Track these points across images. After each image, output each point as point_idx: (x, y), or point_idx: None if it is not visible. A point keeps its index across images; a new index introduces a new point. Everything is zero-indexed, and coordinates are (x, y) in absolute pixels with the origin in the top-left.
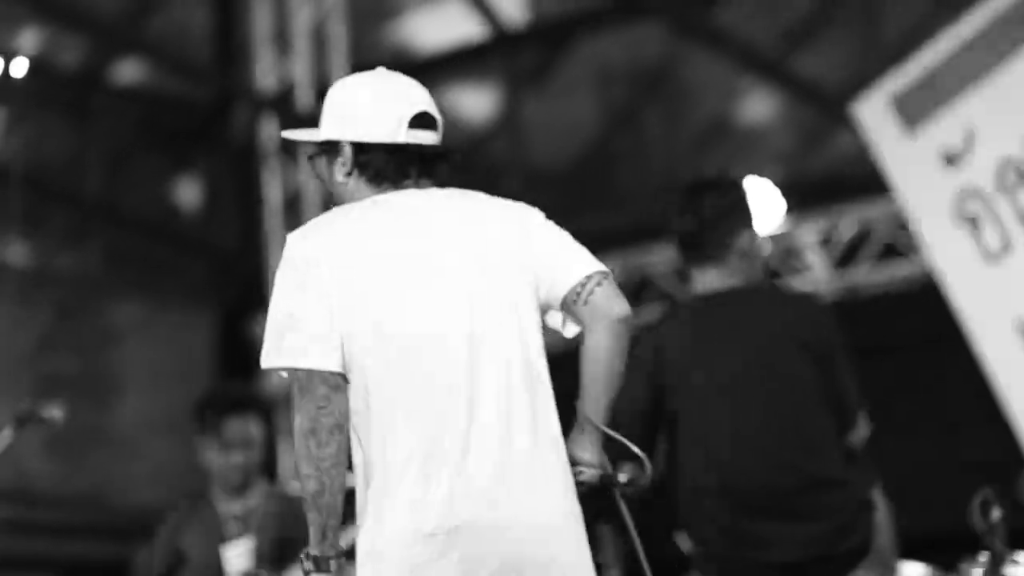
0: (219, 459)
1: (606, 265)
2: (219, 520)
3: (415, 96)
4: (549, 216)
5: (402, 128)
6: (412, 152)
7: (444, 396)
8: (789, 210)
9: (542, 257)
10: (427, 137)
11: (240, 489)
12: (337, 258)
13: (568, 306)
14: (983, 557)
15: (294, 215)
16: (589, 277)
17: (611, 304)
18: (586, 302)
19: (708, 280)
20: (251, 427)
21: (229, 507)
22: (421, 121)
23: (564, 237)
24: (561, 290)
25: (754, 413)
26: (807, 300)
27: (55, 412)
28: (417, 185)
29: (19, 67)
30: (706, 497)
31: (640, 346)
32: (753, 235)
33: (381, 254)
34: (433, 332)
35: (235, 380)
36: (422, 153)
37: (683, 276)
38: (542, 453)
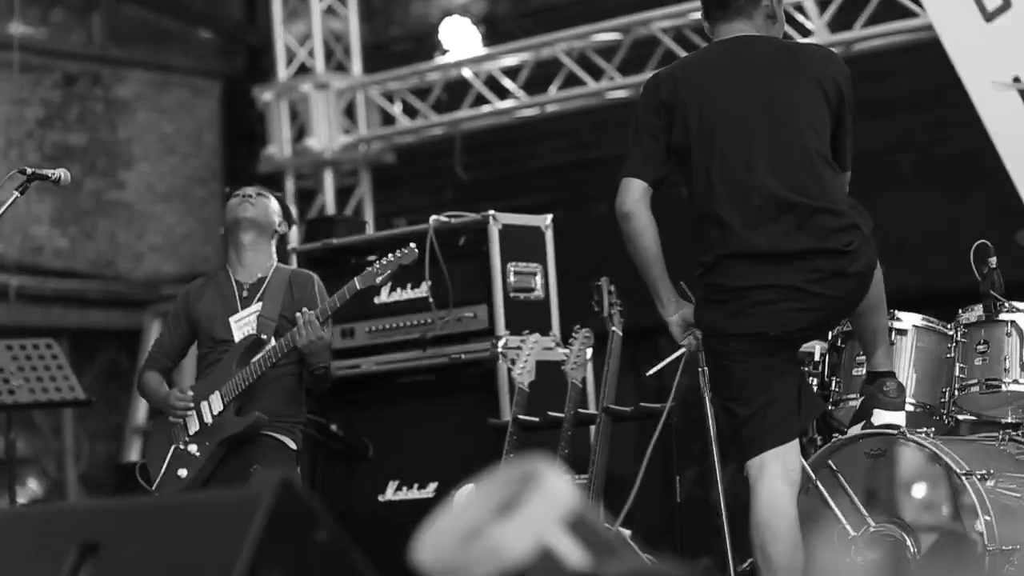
0: (231, 203)
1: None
2: (232, 290)
3: None
4: None
5: None
6: None
7: None
8: None
9: None
10: None
11: (249, 249)
12: None
13: None
14: (979, 305)
15: None
16: None
17: None
18: None
19: (733, 32)
20: (261, 194)
21: (241, 277)
22: None
23: None
24: None
25: (766, 137)
26: (828, 53)
27: (61, 172)
28: None
29: None
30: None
31: (656, 76)
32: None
33: None
34: None
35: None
36: None
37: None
38: None
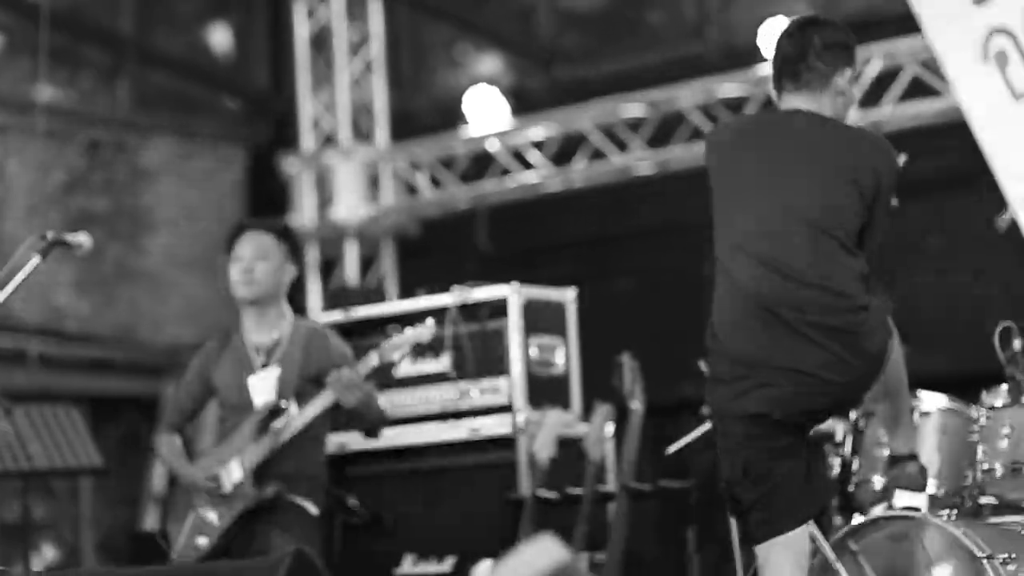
0: (231, 272)
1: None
2: (247, 351)
3: None
4: (578, 57)
5: None
6: None
7: None
8: None
9: None
10: None
11: (265, 312)
12: None
13: None
14: (1004, 387)
15: (323, 54)
16: None
17: None
18: None
19: (796, 104)
20: (262, 241)
21: (256, 338)
22: None
23: None
24: None
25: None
26: (877, 141)
27: (82, 238)
28: None
29: None
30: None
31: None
32: (851, 78)
33: None
34: None
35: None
36: None
37: (770, 104)
38: None
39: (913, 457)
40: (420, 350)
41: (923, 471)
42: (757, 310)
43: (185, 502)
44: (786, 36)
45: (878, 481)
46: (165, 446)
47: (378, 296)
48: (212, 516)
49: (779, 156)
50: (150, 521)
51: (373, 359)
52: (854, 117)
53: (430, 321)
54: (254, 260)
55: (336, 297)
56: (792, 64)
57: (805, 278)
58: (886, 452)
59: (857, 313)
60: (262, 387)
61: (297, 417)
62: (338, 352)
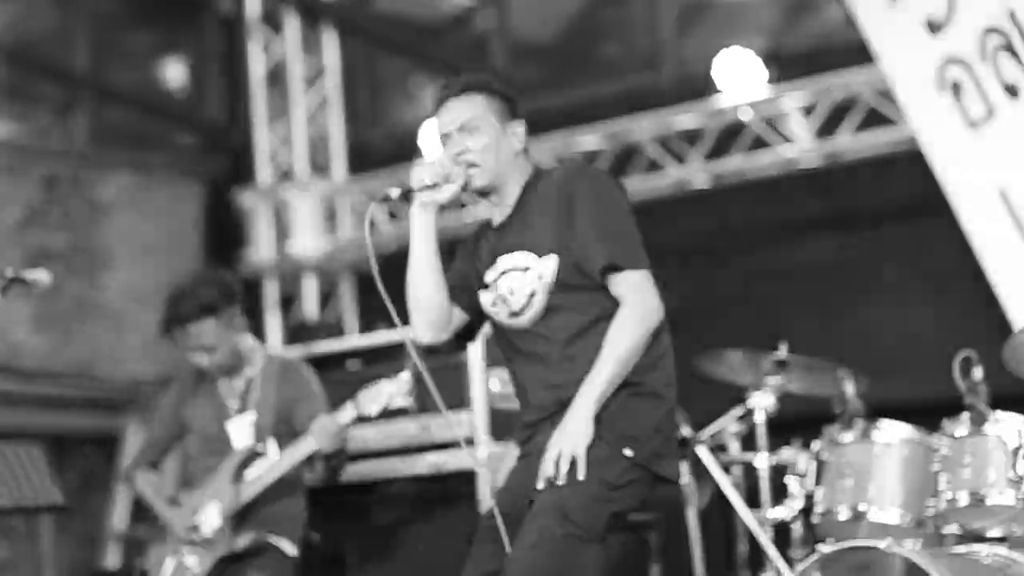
0: (190, 359)
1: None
2: (220, 395)
3: None
4: (534, 89)
5: None
6: None
7: None
8: (773, 79)
9: None
10: None
11: (232, 368)
12: None
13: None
14: (965, 416)
15: (279, 87)
16: None
17: None
18: None
19: None
20: (204, 331)
21: (229, 382)
22: None
23: None
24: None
25: None
26: None
27: (40, 275)
28: None
29: None
30: None
31: None
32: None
33: None
34: None
35: (204, 271)
36: None
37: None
38: None
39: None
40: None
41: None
42: None
43: (162, 544)
44: None
45: (842, 511)
46: (145, 483)
47: (338, 331)
48: (192, 561)
49: None
50: (111, 559)
51: (350, 411)
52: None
53: (405, 375)
54: (206, 352)
55: (296, 332)
56: None
57: None
58: (850, 482)
59: None
60: (239, 431)
61: (277, 463)
62: (311, 389)
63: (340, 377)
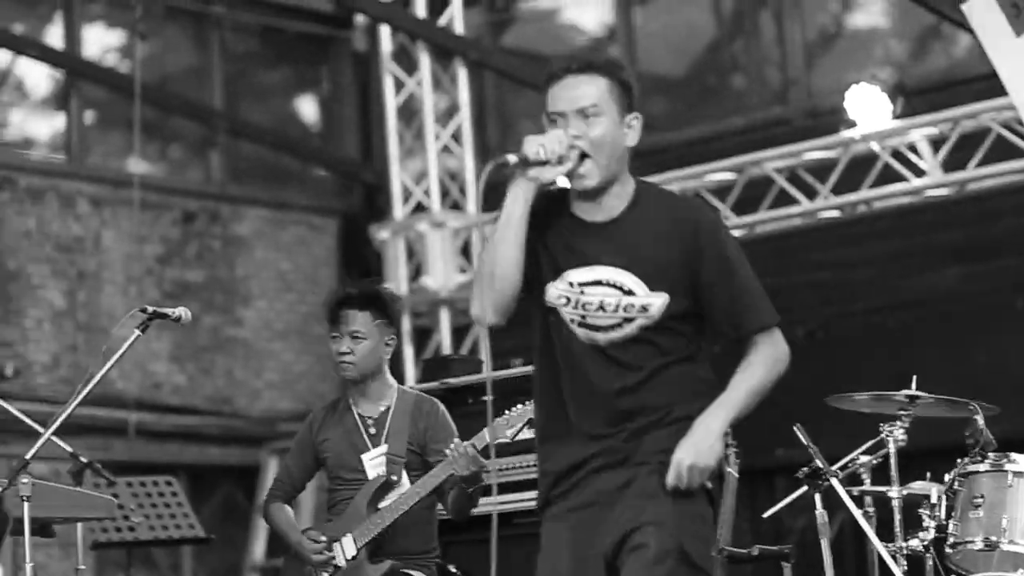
0: (332, 349)
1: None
2: (356, 424)
3: None
4: (663, 123)
5: None
6: None
7: None
8: (902, 111)
9: None
10: None
11: (370, 386)
12: None
13: None
14: None
15: (412, 123)
16: None
17: None
18: None
19: None
20: (359, 319)
21: (365, 410)
22: None
23: None
24: None
25: None
26: None
27: (182, 311)
28: None
29: None
30: None
31: None
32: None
33: None
34: None
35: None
36: None
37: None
38: None
39: None
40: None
41: None
42: None
43: (297, 571)
44: None
45: (975, 543)
46: (279, 516)
47: (472, 365)
48: None
49: None
50: None
51: (485, 436)
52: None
53: None
54: (353, 341)
55: (431, 366)
56: None
57: None
58: (982, 513)
59: None
60: (374, 461)
61: (411, 491)
62: (445, 423)
63: (476, 409)
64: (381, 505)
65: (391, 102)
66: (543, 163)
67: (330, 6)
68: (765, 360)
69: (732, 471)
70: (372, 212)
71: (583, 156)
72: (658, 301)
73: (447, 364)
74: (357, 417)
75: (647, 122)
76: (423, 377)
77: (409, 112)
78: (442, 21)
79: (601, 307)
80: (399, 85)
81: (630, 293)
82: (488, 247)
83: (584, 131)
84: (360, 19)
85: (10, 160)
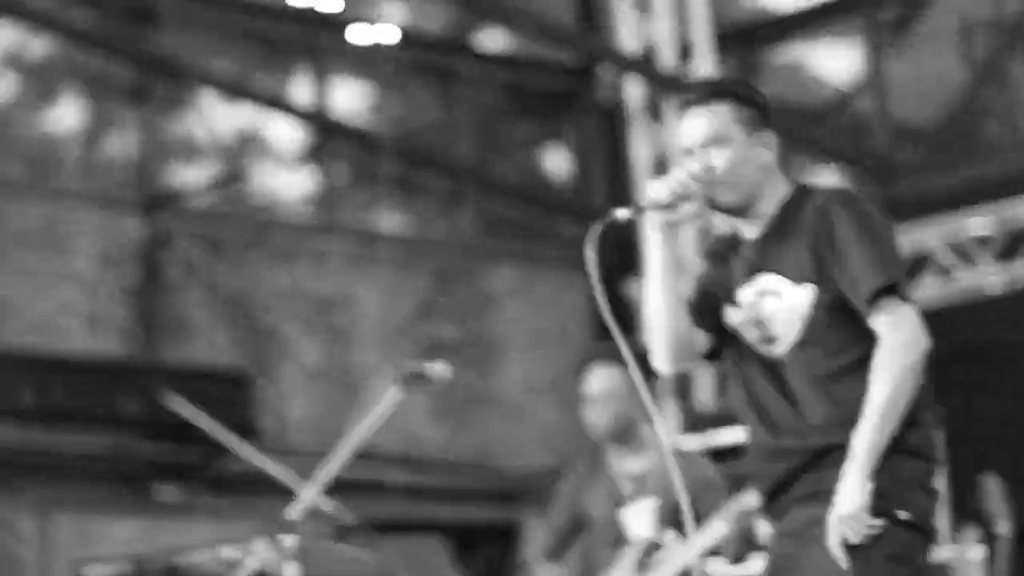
0: (584, 410)
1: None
2: (615, 481)
3: None
4: (916, 171)
5: None
6: None
7: None
8: None
9: None
10: None
11: (626, 443)
12: None
13: None
14: None
15: (662, 175)
16: None
17: None
18: None
19: None
20: (606, 380)
21: (625, 467)
22: None
23: None
24: None
25: None
26: None
27: (441, 368)
28: None
29: (390, 35)
30: None
31: None
32: None
33: None
34: None
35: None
36: None
37: None
38: None
39: None
40: None
41: None
42: None
43: None
44: None
45: None
46: None
47: (734, 420)
48: None
49: None
50: None
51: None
52: None
53: None
54: (599, 404)
55: (693, 421)
56: None
57: None
58: None
59: None
60: (637, 520)
61: (686, 548)
62: (710, 476)
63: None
64: (651, 565)
65: (640, 154)
66: (666, 206)
67: (573, 59)
68: (883, 361)
69: (1004, 529)
70: (624, 265)
71: (716, 183)
72: (804, 293)
73: (708, 420)
74: (617, 475)
75: (899, 171)
76: (684, 431)
77: (659, 165)
78: (689, 72)
79: (769, 318)
80: (649, 137)
81: (780, 295)
82: (643, 302)
83: (708, 162)
84: (604, 70)
85: (262, 218)
